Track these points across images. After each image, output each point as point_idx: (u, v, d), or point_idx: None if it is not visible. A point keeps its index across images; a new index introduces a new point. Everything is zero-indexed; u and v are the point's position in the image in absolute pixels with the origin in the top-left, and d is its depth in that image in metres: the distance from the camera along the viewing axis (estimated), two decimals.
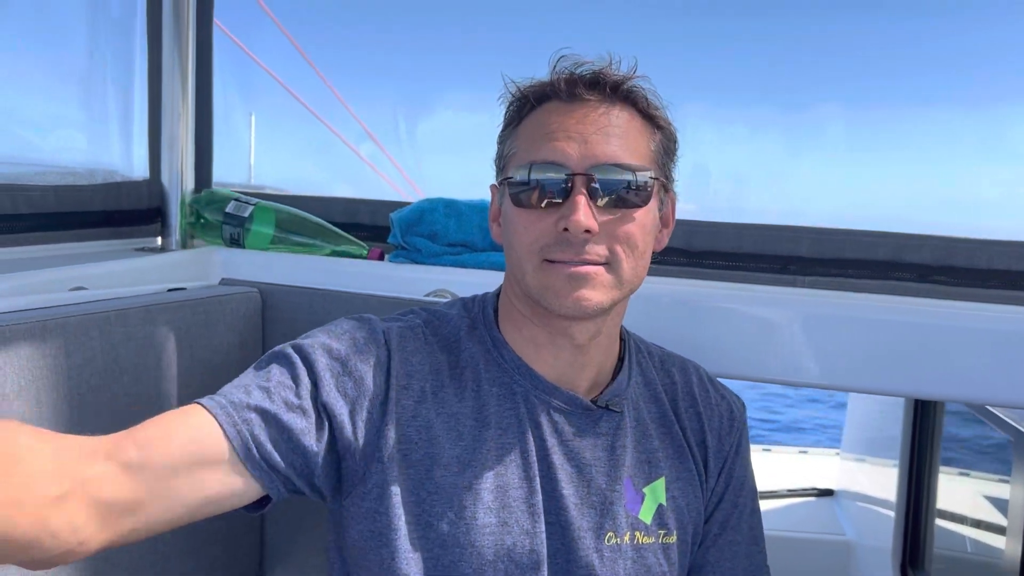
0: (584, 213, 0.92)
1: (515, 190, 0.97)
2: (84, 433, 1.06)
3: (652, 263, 1.04)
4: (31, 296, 1.17)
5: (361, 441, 0.94)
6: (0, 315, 1.05)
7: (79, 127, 1.77)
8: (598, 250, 0.94)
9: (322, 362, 0.94)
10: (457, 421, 0.99)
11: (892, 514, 2.72)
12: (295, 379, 0.93)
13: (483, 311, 1.07)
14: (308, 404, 0.92)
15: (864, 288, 1.56)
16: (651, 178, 0.97)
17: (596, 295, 0.95)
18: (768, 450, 4.57)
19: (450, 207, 1.62)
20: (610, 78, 0.97)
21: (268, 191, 2.21)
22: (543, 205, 0.95)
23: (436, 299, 1.51)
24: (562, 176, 0.94)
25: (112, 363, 1.16)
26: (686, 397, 1.13)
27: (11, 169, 1.59)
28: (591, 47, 1.01)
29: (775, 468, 4.00)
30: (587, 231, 0.93)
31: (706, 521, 1.12)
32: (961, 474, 2.61)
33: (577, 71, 0.98)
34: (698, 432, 1.12)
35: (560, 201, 0.94)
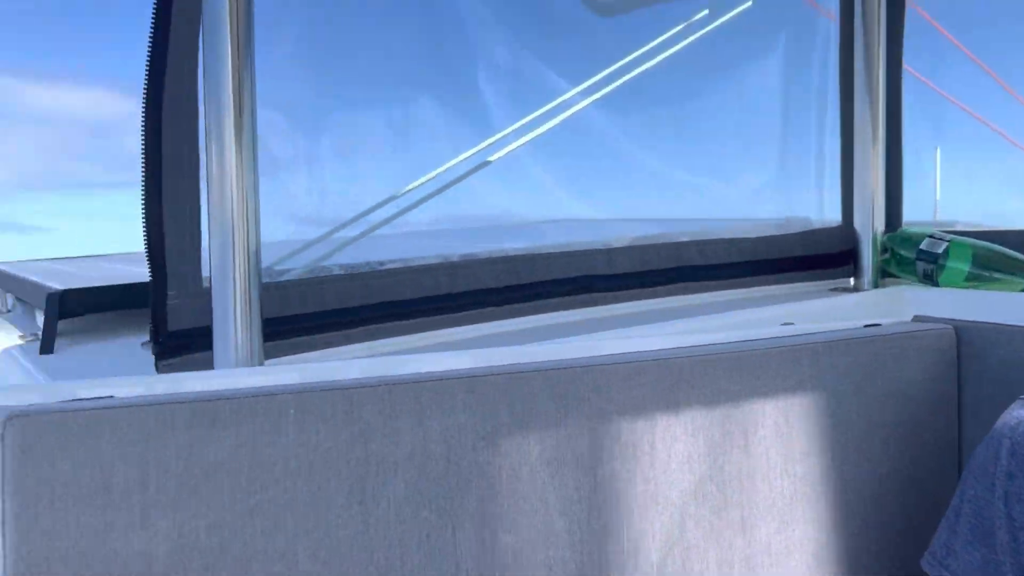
0: None
1: None
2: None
3: None
4: (747, 330, 1.40)
5: None
6: (718, 344, 1.29)
7: (777, 184, 2.03)
8: None
9: None
10: None
11: None
12: None
13: None
14: None
15: None
16: None
17: None
18: None
19: None
20: None
21: (959, 227, 2.16)
22: None
23: None
24: None
25: (820, 387, 1.31)
26: None
27: (728, 225, 1.91)
28: None
29: None
30: None
31: None
32: None
33: None
34: None
35: None
